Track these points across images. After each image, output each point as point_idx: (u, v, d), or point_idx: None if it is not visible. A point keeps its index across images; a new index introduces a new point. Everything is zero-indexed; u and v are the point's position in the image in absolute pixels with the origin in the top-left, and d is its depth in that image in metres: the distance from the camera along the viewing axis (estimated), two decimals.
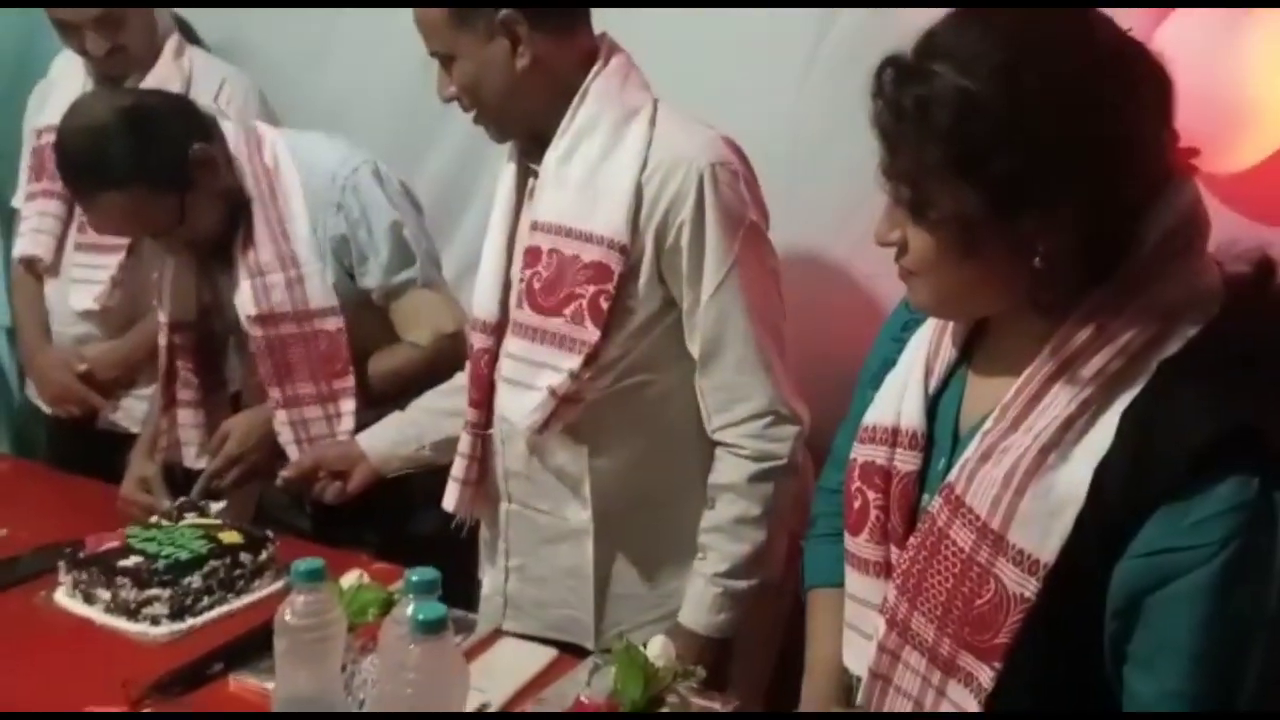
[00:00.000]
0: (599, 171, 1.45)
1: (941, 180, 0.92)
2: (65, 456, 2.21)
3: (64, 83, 2.22)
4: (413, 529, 1.85)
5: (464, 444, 1.64)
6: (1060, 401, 0.94)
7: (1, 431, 2.65)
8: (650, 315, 1.48)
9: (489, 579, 1.69)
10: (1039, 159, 0.89)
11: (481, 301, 1.60)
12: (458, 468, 1.64)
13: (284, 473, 1.79)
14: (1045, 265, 0.92)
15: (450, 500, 1.65)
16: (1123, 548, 0.91)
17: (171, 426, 1.96)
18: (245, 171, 1.82)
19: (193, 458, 1.94)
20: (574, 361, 1.45)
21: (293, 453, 1.84)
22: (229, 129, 1.84)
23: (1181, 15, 1.44)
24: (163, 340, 1.93)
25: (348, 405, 1.84)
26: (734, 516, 1.47)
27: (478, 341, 1.61)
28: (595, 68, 1.48)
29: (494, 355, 1.58)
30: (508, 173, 1.60)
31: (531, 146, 1.54)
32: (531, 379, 1.49)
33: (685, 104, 1.52)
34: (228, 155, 1.82)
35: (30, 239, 2.21)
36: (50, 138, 2.15)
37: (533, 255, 1.49)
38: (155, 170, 1.71)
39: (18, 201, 2.33)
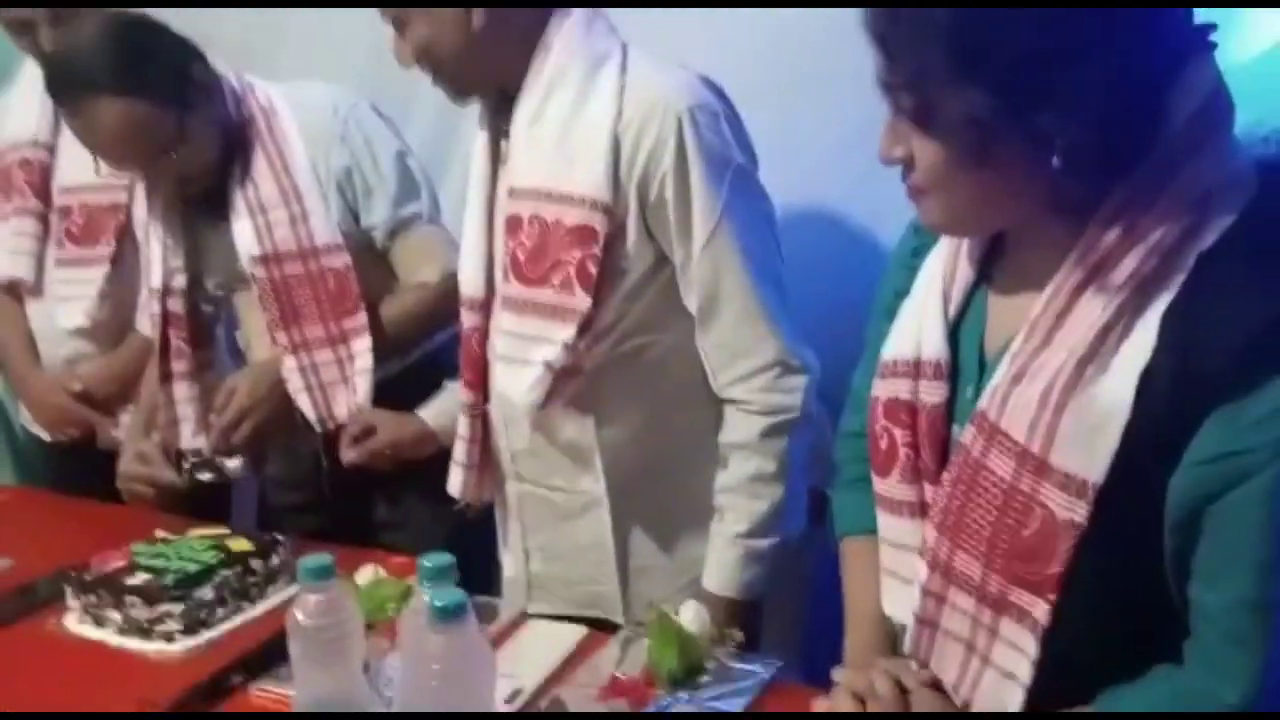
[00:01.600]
0: (572, 126, 1.37)
1: (945, 82, 0.86)
2: (68, 480, 2.15)
3: (24, 94, 2.13)
4: (425, 509, 1.79)
5: (462, 426, 1.58)
6: (1093, 310, 0.88)
7: (3, 461, 2.60)
8: (643, 274, 1.41)
9: (509, 562, 1.64)
10: (1049, 43, 0.82)
11: (466, 278, 1.54)
12: (458, 452, 1.59)
13: (349, 455, 1.72)
14: (1065, 163, 0.86)
15: (454, 485, 1.60)
16: (1177, 458, 0.85)
17: (169, 403, 1.89)
18: (241, 106, 1.75)
19: (190, 436, 1.88)
20: (567, 332, 1.39)
21: (303, 401, 1.78)
22: (221, 67, 1.77)
23: None
24: (156, 309, 1.87)
25: (360, 345, 1.78)
26: (749, 474, 1.41)
27: (467, 320, 1.55)
28: (556, 16, 1.40)
29: (484, 333, 1.52)
30: (480, 139, 1.52)
31: (501, 106, 1.47)
32: (526, 354, 1.43)
33: (666, 39, 1.45)
34: (226, 91, 1.75)
35: (8, 261, 2.14)
36: (14, 156, 2.10)
37: (513, 224, 1.43)
38: (156, 81, 1.62)
39: None
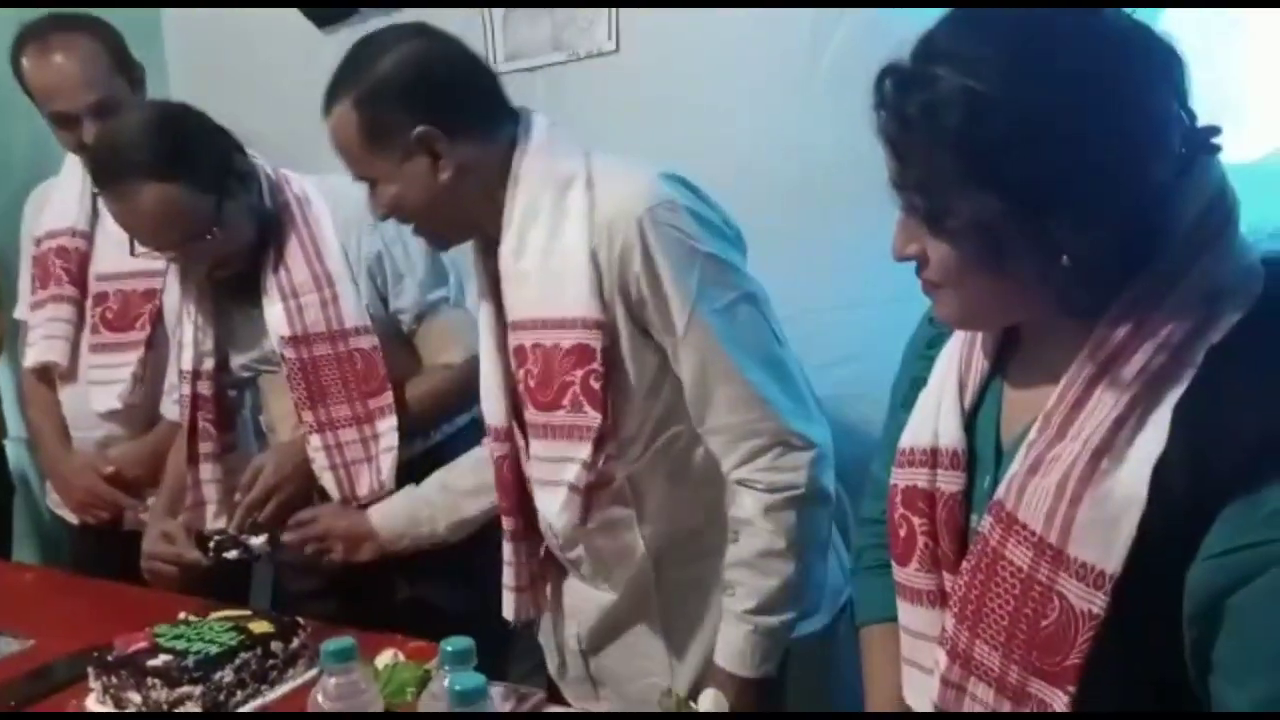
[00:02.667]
0: (552, 254, 1.41)
1: (957, 188, 0.88)
2: (91, 562, 2.17)
3: (63, 185, 2.21)
4: (443, 592, 1.81)
5: (508, 551, 1.60)
6: (1106, 403, 0.89)
7: (27, 542, 2.62)
8: (655, 371, 1.43)
9: (568, 664, 1.65)
10: (1057, 153, 0.85)
11: (489, 409, 1.58)
12: (509, 576, 1.60)
13: (286, 536, 1.75)
14: (1075, 264, 0.88)
15: (509, 609, 1.61)
16: (1193, 550, 0.86)
17: (195, 484, 1.92)
18: (278, 196, 1.82)
19: (212, 518, 1.91)
20: (585, 450, 1.41)
21: (327, 480, 1.80)
22: (258, 160, 1.84)
23: (1175, 15, 1.42)
24: (186, 390, 1.90)
25: (385, 424, 1.80)
26: (757, 550, 1.41)
27: (495, 449, 1.58)
28: (519, 148, 1.45)
29: (514, 459, 1.56)
30: (479, 281, 1.58)
31: (489, 247, 1.51)
32: (558, 475, 1.46)
33: (686, 138, 1.50)
34: (261, 180, 1.82)
35: (44, 346, 2.19)
36: (50, 244, 2.16)
37: (520, 355, 1.47)
38: (197, 167, 1.68)
39: (20, 313, 2.29)
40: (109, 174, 1.71)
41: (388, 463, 1.81)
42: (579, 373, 1.40)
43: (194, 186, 1.69)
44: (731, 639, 1.42)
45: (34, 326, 2.22)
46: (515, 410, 1.54)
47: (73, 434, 2.22)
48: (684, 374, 1.40)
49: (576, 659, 1.63)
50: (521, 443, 1.55)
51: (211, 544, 1.77)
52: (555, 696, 1.62)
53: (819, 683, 1.58)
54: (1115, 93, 0.85)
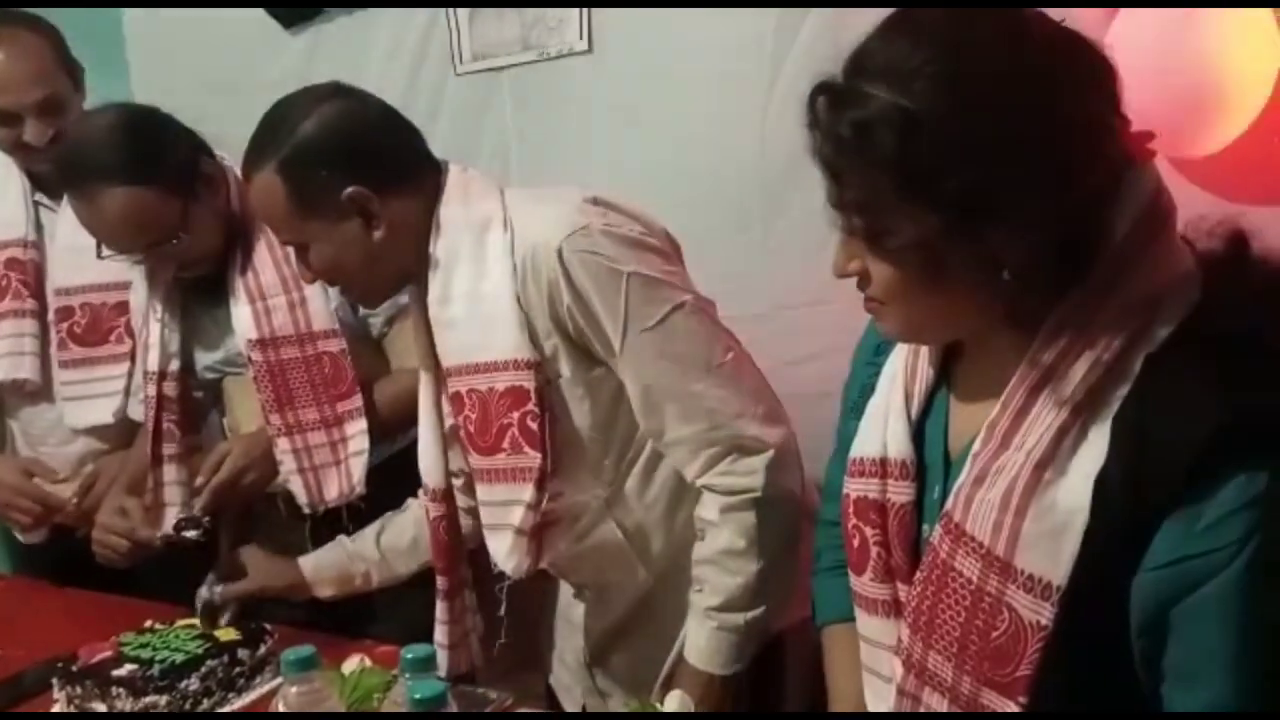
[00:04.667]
0: (477, 298, 1.41)
1: (894, 207, 0.87)
2: (60, 572, 2.12)
3: (2, 192, 2.08)
4: (414, 597, 1.76)
5: (441, 610, 1.60)
6: (1048, 413, 0.89)
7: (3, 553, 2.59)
8: (613, 396, 1.43)
9: (572, 680, 1.65)
10: (993, 167, 0.84)
11: (426, 468, 1.58)
12: (440, 634, 1.61)
13: (218, 589, 1.69)
14: (1016, 279, 0.87)
15: (442, 667, 1.57)
16: (1137, 560, 0.86)
17: (157, 486, 1.90)
18: (244, 199, 1.78)
19: (172, 520, 1.88)
20: (528, 492, 1.41)
21: (295, 484, 1.79)
22: (227, 163, 1.83)
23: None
24: (151, 391, 1.88)
25: (354, 428, 1.79)
26: (720, 549, 1.40)
27: (432, 510, 1.58)
28: (441, 197, 1.45)
29: (451, 520, 1.57)
30: (415, 326, 1.57)
31: (420, 296, 1.51)
32: (504, 519, 1.46)
33: (658, 137, 1.48)
34: (229, 182, 1.81)
35: (10, 363, 2.08)
36: (4, 254, 2.06)
37: (457, 402, 1.47)
38: (164, 171, 1.68)
39: None
40: (77, 176, 1.70)
41: (358, 467, 1.80)
42: (515, 414, 1.40)
43: (162, 190, 1.68)
44: (697, 635, 1.43)
45: None
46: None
47: (40, 450, 2.14)
48: (631, 394, 1.40)
49: (582, 672, 1.63)
50: (463, 503, 1.58)
51: (176, 521, 1.77)
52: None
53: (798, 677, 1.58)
54: (1047, 103, 0.85)
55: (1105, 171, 0.87)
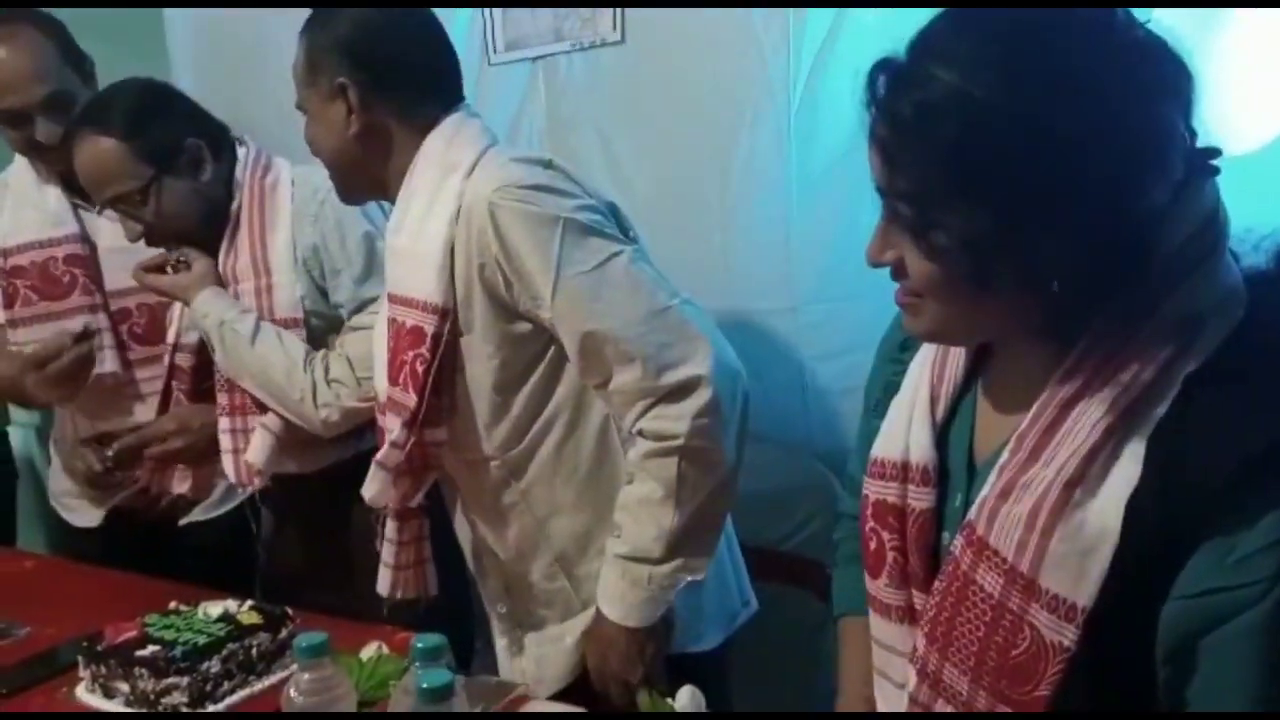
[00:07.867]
0: (419, 236, 1.46)
1: (946, 200, 0.83)
2: (96, 554, 2.13)
3: (17, 191, 2.04)
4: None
5: (390, 529, 1.62)
6: (1081, 429, 0.86)
7: (34, 529, 2.64)
8: (525, 365, 1.46)
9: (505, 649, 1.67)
10: (1055, 169, 0.79)
11: (377, 381, 1.60)
12: (387, 553, 1.63)
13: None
14: (1064, 288, 0.84)
15: (384, 585, 1.65)
16: (1166, 587, 0.83)
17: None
18: (243, 186, 1.84)
19: (178, 481, 2.02)
20: (397, 429, 1.47)
21: (228, 463, 1.86)
22: (243, 151, 1.88)
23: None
24: (166, 360, 1.98)
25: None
26: (637, 497, 1.41)
27: (380, 422, 1.60)
28: (431, 133, 1.48)
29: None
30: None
31: None
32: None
33: (689, 128, 1.46)
34: (230, 169, 1.85)
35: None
36: (16, 260, 2.02)
37: (391, 326, 1.51)
38: (143, 135, 1.75)
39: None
40: (74, 121, 1.81)
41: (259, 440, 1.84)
42: (410, 353, 1.46)
43: (133, 151, 1.74)
44: (604, 580, 1.44)
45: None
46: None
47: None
48: (566, 343, 1.41)
49: (506, 622, 1.66)
50: None
51: (110, 451, 1.92)
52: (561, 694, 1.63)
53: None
54: (1119, 110, 0.80)
55: (1169, 185, 0.83)
